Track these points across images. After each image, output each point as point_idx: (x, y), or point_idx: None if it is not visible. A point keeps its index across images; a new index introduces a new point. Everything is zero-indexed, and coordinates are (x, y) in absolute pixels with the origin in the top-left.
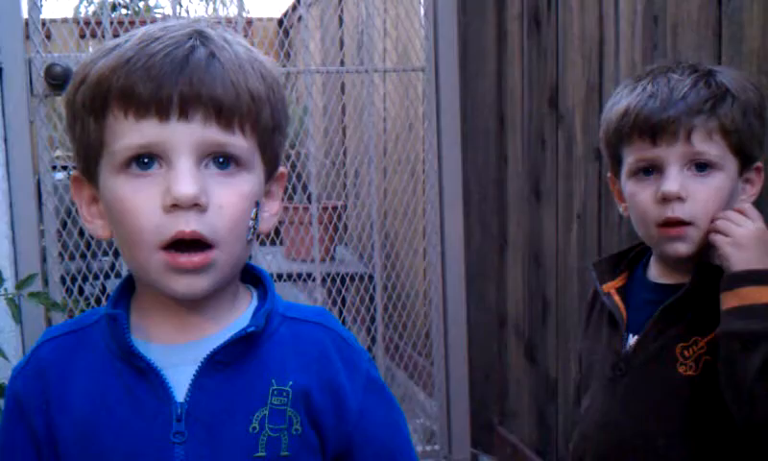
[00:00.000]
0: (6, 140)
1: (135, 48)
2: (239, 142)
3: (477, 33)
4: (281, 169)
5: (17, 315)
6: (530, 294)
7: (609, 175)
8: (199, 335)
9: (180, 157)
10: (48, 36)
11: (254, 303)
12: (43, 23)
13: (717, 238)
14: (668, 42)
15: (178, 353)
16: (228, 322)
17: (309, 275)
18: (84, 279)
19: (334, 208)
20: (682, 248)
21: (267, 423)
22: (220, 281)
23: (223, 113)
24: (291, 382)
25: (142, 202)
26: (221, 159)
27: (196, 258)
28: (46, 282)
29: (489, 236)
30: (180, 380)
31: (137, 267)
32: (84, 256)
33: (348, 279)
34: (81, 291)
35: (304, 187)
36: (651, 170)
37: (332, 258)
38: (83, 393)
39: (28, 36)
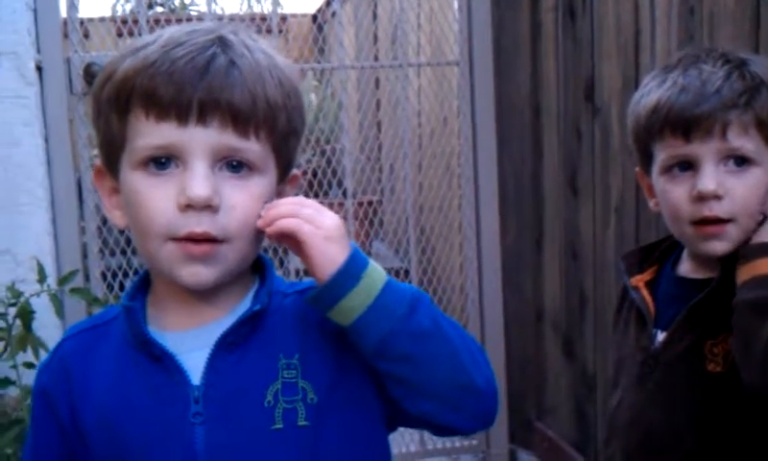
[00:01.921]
0: (47, 139)
1: (160, 52)
2: (253, 147)
3: (511, 26)
4: (295, 171)
5: (60, 310)
6: (567, 288)
7: (637, 169)
8: (209, 321)
9: (196, 160)
10: (86, 35)
11: (255, 286)
12: (81, 22)
13: None
14: (705, 33)
15: (190, 339)
16: (235, 306)
17: None
18: (125, 274)
19: (369, 203)
20: (719, 246)
21: (281, 395)
22: (225, 275)
23: (239, 120)
24: (297, 355)
25: (158, 198)
26: (234, 163)
27: (204, 247)
28: (87, 278)
29: (525, 230)
30: (194, 365)
31: (149, 256)
32: (124, 252)
33: None
34: (121, 287)
35: (339, 183)
36: (685, 166)
37: (368, 253)
38: (103, 383)
39: (66, 35)
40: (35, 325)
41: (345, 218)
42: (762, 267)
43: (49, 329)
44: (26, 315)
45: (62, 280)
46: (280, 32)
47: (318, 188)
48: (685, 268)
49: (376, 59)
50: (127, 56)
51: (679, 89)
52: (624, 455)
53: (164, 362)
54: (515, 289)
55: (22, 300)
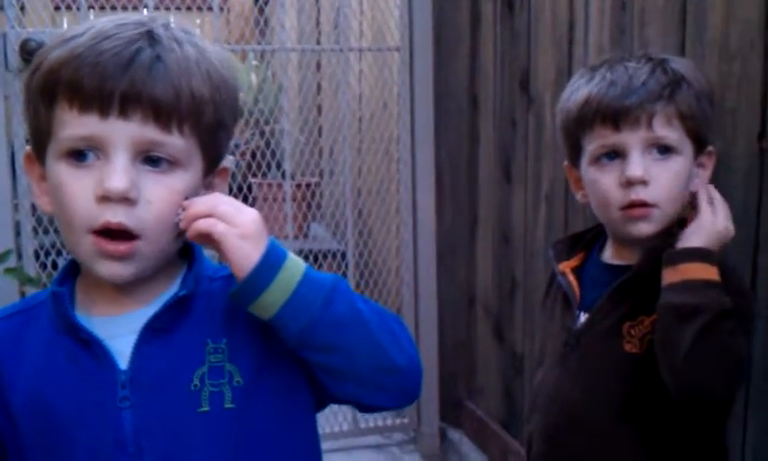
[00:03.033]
0: None
1: (87, 44)
2: (176, 142)
3: (452, 14)
4: (225, 164)
5: None
6: (499, 272)
7: (565, 163)
8: (136, 307)
9: (117, 153)
10: (22, 9)
11: (183, 271)
12: None
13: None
14: (635, 29)
15: (118, 325)
16: (162, 292)
17: None
18: (58, 253)
19: (308, 185)
20: (645, 227)
21: (207, 379)
22: (144, 270)
23: (161, 114)
24: (225, 339)
25: (78, 189)
26: (155, 157)
27: (122, 247)
28: (20, 256)
29: (460, 215)
30: (121, 350)
31: (71, 247)
32: (57, 231)
33: (321, 257)
34: (54, 265)
35: (279, 164)
36: (613, 156)
37: (306, 235)
38: (31, 369)
39: (2, 8)
40: None
41: (283, 199)
42: (687, 271)
43: None
44: None
45: None
46: (221, 10)
47: (257, 169)
48: (609, 254)
49: (318, 42)
50: (56, 47)
51: (608, 83)
52: (544, 431)
53: (92, 347)
54: (449, 273)
55: None
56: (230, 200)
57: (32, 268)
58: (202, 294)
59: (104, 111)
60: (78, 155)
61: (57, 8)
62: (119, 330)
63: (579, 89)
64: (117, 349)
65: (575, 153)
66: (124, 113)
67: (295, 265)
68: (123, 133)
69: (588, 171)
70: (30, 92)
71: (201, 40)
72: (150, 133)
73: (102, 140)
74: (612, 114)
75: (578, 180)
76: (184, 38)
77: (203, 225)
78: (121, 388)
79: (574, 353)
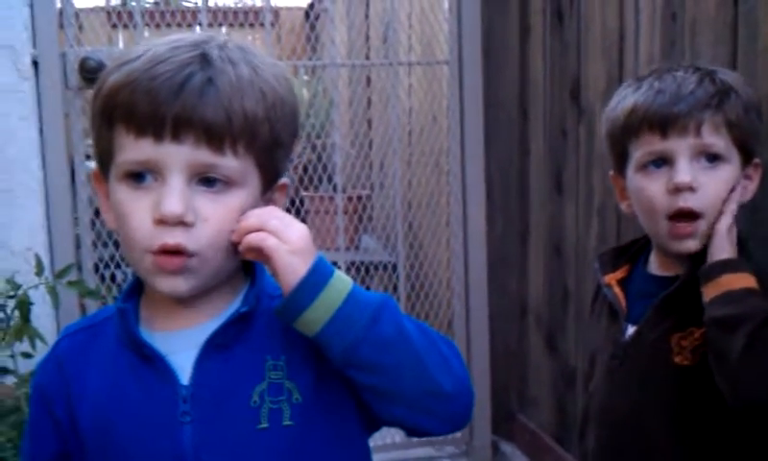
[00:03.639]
0: (42, 132)
1: (142, 69)
2: (229, 163)
3: (500, 26)
4: (283, 180)
5: (56, 302)
6: (551, 283)
7: (611, 173)
8: (198, 323)
9: (172, 176)
10: (80, 27)
11: (246, 288)
12: (76, 15)
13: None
14: (686, 39)
15: (180, 340)
16: (223, 309)
17: (334, 263)
18: (117, 265)
19: (359, 198)
20: (692, 245)
21: (267, 395)
22: (201, 285)
23: (213, 136)
24: (284, 356)
25: (137, 211)
26: (210, 178)
27: (176, 260)
28: (80, 269)
29: (511, 227)
30: (183, 365)
31: (133, 264)
32: (116, 244)
33: (372, 268)
34: (113, 277)
35: (330, 178)
36: (660, 163)
37: (357, 247)
38: (98, 384)
39: (61, 26)
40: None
41: (334, 212)
42: (727, 283)
43: (42, 320)
44: (24, 306)
45: (60, 274)
46: (272, 25)
47: (308, 183)
48: (655, 266)
49: (368, 57)
50: (114, 70)
51: (656, 92)
52: (598, 444)
53: (155, 362)
54: (500, 284)
55: (21, 292)
56: (281, 214)
57: (91, 281)
58: (262, 311)
59: (158, 136)
60: (136, 177)
61: (114, 26)
62: (181, 346)
63: (626, 98)
64: (179, 364)
65: (621, 161)
66: (176, 137)
67: (341, 282)
68: (177, 156)
69: (633, 178)
70: (93, 114)
71: (258, 57)
72: (203, 155)
73: (157, 164)
74: (659, 121)
75: (623, 189)
76: (239, 58)
77: (253, 239)
78: (182, 403)
79: (622, 367)
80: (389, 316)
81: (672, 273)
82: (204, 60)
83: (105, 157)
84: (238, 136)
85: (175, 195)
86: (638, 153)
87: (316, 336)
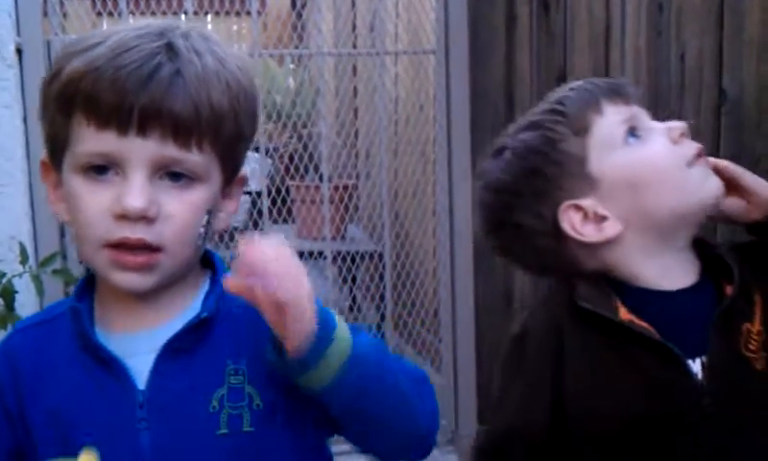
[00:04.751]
0: (26, 121)
1: (106, 56)
2: (194, 158)
3: (487, 16)
4: (242, 173)
5: (40, 290)
6: None
7: None
8: (156, 324)
9: (135, 171)
10: (64, 15)
11: (206, 287)
12: (61, 2)
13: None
14: (672, 30)
15: (137, 342)
16: (184, 308)
17: (320, 253)
18: None
19: (345, 188)
20: None
21: (226, 401)
22: (163, 281)
23: (180, 132)
24: (245, 360)
25: (95, 204)
26: (174, 173)
27: (140, 258)
28: (64, 257)
29: None
30: (141, 369)
31: (87, 259)
32: None
33: (358, 258)
34: None
35: (316, 167)
36: None
37: (343, 237)
38: (53, 384)
39: (46, 14)
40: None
41: (320, 202)
42: None
43: (27, 309)
44: (9, 295)
45: (44, 262)
46: (259, 14)
47: (294, 172)
48: (654, 279)
49: (354, 46)
50: (75, 54)
51: None
52: None
53: (111, 366)
54: (486, 273)
55: (5, 280)
56: (286, 261)
57: (76, 269)
58: (224, 316)
59: (122, 129)
60: (95, 170)
61: (98, 13)
62: (139, 348)
63: None
64: (136, 368)
65: None
66: (143, 131)
67: (339, 348)
68: (141, 151)
69: None
70: (47, 99)
71: (220, 47)
72: (169, 150)
73: (120, 158)
74: None
75: None
76: (204, 48)
77: (259, 293)
78: (139, 409)
79: (717, 408)
80: (387, 373)
81: (689, 281)
82: (171, 49)
83: (58, 144)
84: (205, 132)
85: (137, 190)
86: None
87: (314, 394)
